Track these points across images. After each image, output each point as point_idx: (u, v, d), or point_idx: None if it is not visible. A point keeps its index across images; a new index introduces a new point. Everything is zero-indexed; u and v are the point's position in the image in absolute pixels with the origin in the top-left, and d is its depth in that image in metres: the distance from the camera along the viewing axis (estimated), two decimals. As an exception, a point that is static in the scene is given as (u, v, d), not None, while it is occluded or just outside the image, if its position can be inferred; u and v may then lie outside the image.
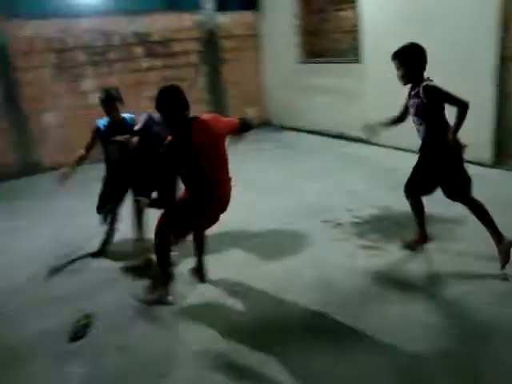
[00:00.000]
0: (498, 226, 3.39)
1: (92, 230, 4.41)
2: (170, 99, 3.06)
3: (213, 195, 3.16)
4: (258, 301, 3.32)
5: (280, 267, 3.78)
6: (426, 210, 3.83)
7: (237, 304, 3.30)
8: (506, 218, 3.61)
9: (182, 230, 3.26)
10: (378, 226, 4.35)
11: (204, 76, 8.66)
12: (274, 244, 4.22)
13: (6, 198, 6.25)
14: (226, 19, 8.68)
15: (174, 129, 3.06)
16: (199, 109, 7.06)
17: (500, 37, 5.32)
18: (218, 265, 3.82)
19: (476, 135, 5.72)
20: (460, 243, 3.88)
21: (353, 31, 7.20)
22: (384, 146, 6.89)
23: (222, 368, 2.67)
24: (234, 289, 3.49)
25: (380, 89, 6.82)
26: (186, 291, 3.50)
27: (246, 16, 8.98)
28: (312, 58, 8.19)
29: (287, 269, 3.74)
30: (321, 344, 2.81)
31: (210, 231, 3.55)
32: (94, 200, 4.12)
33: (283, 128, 8.96)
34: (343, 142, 7.60)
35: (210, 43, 8.61)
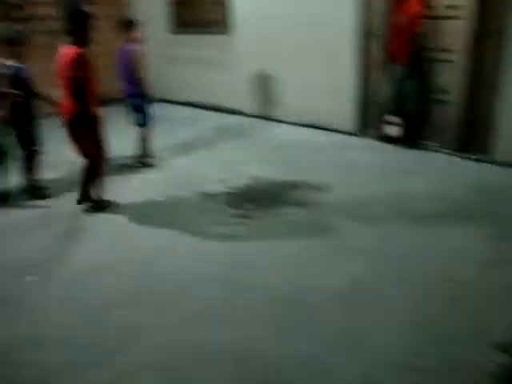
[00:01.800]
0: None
1: None
2: None
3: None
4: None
5: (152, 237, 3.78)
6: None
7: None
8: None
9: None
10: (249, 196, 4.46)
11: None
12: (144, 215, 4.18)
13: None
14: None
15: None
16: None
17: (360, 10, 5.64)
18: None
19: (341, 107, 6.11)
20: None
21: (223, 2, 7.17)
22: (258, 117, 7.05)
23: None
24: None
25: (251, 60, 6.92)
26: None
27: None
28: (184, 28, 8.03)
29: (158, 236, 3.78)
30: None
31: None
32: None
33: (158, 100, 8.73)
34: (219, 113, 7.62)
35: (72, 10, 8.01)
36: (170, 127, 6.89)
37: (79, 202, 4.27)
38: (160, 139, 5.73)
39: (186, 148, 5.95)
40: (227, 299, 2.95)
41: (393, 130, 5.70)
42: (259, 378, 2.33)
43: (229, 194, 4.52)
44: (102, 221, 4.09)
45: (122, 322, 2.78)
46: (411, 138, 5.59)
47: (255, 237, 3.71)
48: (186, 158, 5.62)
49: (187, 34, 7.96)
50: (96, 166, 4.09)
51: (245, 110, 7.29)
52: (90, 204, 4.26)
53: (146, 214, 4.21)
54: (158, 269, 3.33)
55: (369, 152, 5.57)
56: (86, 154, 4.03)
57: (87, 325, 2.76)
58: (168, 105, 8.33)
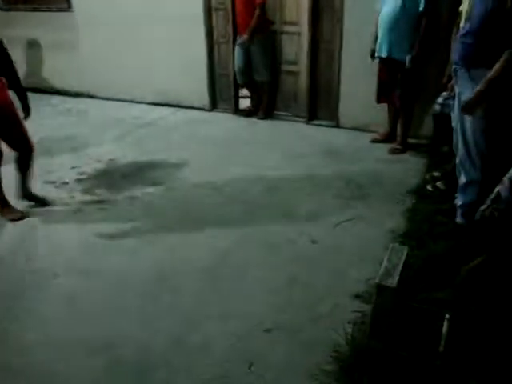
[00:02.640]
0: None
1: None
2: None
3: None
4: None
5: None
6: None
7: None
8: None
9: None
10: (103, 180, 4.26)
11: None
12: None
13: None
14: None
15: None
16: None
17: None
18: None
19: (192, 83, 6.07)
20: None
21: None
22: (107, 99, 6.72)
23: None
24: None
25: (95, 38, 6.54)
26: None
27: None
28: (14, 4, 7.28)
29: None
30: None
31: None
32: None
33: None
34: (65, 97, 7.11)
35: None
36: None
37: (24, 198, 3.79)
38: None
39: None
40: (86, 288, 2.80)
41: (244, 103, 5.81)
42: (131, 365, 2.25)
43: (81, 180, 4.26)
44: None
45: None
46: (263, 109, 5.75)
47: (113, 221, 3.57)
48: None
49: (18, 11, 7.22)
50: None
51: (94, 92, 6.90)
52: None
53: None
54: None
55: (221, 125, 5.63)
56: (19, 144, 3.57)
57: None
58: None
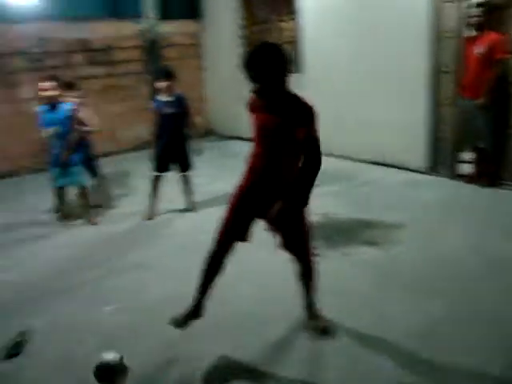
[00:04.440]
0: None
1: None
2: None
3: None
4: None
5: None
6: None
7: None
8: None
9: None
10: (319, 233, 4.43)
11: (146, 85, 8.57)
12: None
13: None
14: (168, 28, 8.64)
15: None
16: (144, 117, 7.01)
17: (432, 48, 5.61)
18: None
19: (411, 144, 6.04)
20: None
21: (293, 42, 7.36)
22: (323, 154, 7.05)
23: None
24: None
25: (318, 98, 6.98)
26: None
27: (188, 25, 8.98)
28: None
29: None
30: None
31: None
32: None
33: (226, 137, 9.00)
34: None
35: (152, 52, 8.54)
36: (239, 163, 7.01)
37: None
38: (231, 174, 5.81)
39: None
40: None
41: (466, 168, 5.55)
42: None
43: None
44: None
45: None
46: (487, 176, 5.41)
47: (322, 276, 3.68)
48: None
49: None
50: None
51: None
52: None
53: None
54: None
55: (439, 190, 5.44)
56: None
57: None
58: (235, 141, 8.53)
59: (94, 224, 5.10)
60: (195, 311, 2.89)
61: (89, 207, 5.22)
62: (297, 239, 2.88)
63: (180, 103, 4.97)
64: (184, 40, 8.94)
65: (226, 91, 8.90)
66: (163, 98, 4.97)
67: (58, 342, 3.07)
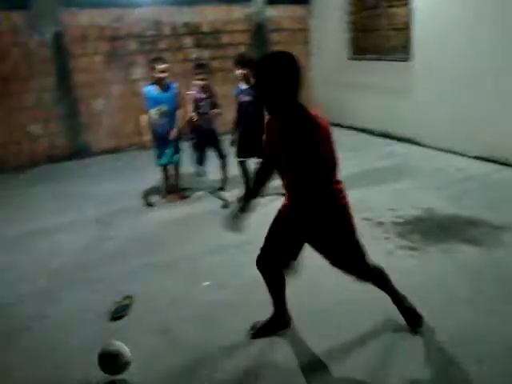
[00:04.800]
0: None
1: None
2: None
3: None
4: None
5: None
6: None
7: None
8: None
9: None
10: (419, 227, 4.29)
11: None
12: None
13: (55, 180, 6.54)
14: (275, 12, 8.68)
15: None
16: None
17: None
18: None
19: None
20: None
21: (404, 29, 7.07)
22: (429, 147, 6.77)
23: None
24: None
25: (429, 87, 6.69)
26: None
27: (295, 10, 8.94)
28: (361, 54, 8.09)
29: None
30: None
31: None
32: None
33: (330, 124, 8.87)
34: (388, 140, 7.50)
35: (259, 36, 8.64)
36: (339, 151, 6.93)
37: None
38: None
39: (356, 174, 5.93)
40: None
41: None
42: None
43: (398, 223, 4.39)
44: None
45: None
46: None
47: (422, 271, 3.56)
48: (356, 183, 5.59)
49: (364, 61, 7.99)
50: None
51: (418, 138, 7.05)
52: None
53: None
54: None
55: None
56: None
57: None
58: (337, 129, 8.42)
59: (183, 200, 5.34)
60: (278, 321, 2.87)
61: (178, 186, 5.47)
62: (339, 257, 2.61)
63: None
64: (291, 25, 8.91)
65: (330, 78, 8.79)
66: (242, 85, 5.03)
67: (155, 312, 3.25)
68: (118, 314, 3.16)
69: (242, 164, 5.17)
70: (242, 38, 8.52)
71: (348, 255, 2.60)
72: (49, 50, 7.16)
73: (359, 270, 2.65)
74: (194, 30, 8.13)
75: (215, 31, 8.30)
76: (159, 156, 5.27)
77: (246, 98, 4.98)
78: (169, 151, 5.21)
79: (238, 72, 4.96)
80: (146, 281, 3.67)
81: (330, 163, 2.42)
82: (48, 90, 7.23)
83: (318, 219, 2.39)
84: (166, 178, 5.41)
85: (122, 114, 7.63)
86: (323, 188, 2.37)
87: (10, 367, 2.79)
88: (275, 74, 2.29)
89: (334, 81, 8.64)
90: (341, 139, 7.59)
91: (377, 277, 2.74)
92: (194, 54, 8.15)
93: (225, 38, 8.39)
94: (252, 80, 4.89)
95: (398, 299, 2.84)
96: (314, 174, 2.29)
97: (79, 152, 7.54)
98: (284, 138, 2.31)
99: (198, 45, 8.21)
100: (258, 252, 2.72)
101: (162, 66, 4.97)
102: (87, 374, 2.63)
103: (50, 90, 7.25)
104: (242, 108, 5.05)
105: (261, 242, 2.71)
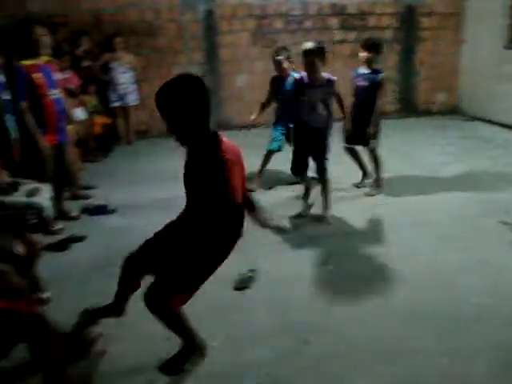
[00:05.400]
0: None
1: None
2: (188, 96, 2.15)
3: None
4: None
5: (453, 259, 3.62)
6: None
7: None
8: None
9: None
10: None
11: (396, 54, 8.35)
12: (442, 236, 4.01)
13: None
14: (428, -5, 8.20)
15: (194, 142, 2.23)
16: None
17: None
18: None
19: None
20: None
21: None
22: None
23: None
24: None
25: None
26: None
27: (451, -9, 8.36)
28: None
29: (457, 268, 3.55)
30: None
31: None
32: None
33: (474, 118, 8.25)
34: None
35: (408, 20, 8.24)
36: (484, 148, 6.50)
37: None
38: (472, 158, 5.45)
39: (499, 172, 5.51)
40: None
41: None
42: None
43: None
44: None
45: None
46: None
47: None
48: (497, 183, 5.20)
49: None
50: None
51: None
52: None
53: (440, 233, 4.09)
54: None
55: None
56: None
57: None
58: (485, 124, 7.83)
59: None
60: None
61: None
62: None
63: (375, 77, 4.73)
64: (444, 9, 8.34)
65: (482, 67, 8.11)
66: (361, 69, 4.84)
67: (272, 290, 3.34)
68: (242, 285, 3.29)
69: (350, 151, 5.07)
70: (389, 20, 8.19)
71: (179, 273, 2.33)
72: (200, 26, 7.55)
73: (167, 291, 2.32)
74: (340, 11, 8.00)
75: (362, 13, 8.08)
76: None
77: (362, 83, 4.81)
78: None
79: (362, 55, 4.80)
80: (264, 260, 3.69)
81: (237, 193, 2.18)
82: (196, 63, 7.64)
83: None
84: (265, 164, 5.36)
85: (264, 90, 7.79)
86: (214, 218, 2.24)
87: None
88: (178, 102, 2.11)
89: (488, 71, 7.94)
90: (490, 134, 7.16)
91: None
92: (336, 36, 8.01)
93: (371, 21, 8.14)
94: (373, 65, 4.77)
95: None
96: (208, 208, 2.21)
97: (220, 126, 7.88)
98: (185, 170, 2.25)
99: (344, 26, 8.07)
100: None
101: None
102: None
103: (198, 63, 7.65)
104: (356, 93, 4.87)
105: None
